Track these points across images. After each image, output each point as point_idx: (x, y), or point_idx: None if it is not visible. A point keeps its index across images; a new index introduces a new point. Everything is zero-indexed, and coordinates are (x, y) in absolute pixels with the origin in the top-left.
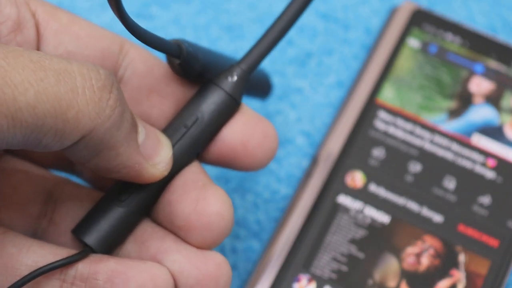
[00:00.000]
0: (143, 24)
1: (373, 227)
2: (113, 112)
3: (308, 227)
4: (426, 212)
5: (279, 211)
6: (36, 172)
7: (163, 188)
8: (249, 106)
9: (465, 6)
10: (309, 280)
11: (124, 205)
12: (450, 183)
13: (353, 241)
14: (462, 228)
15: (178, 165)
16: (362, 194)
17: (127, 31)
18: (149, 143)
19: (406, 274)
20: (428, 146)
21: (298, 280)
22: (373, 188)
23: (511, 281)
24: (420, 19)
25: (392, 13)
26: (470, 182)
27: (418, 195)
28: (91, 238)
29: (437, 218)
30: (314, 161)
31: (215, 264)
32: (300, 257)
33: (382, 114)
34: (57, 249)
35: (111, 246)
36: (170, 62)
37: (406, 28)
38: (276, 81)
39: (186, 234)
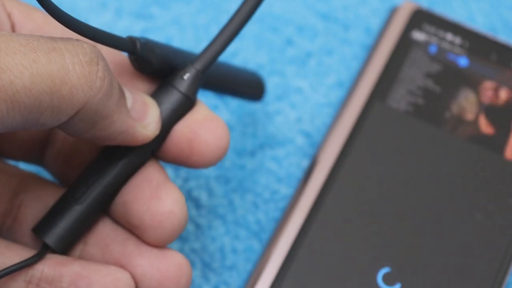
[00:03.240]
0: (143, 24)
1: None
2: (103, 82)
3: (307, 227)
4: None
5: (279, 211)
6: (3, 169)
7: (118, 183)
8: (248, 106)
9: (465, 6)
10: None
11: (79, 202)
12: None
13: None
14: None
15: (133, 164)
16: None
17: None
18: (137, 106)
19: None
20: None
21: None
22: None
23: (511, 281)
24: (420, 19)
25: (392, 13)
26: None
27: None
28: (49, 237)
29: None
30: (314, 161)
31: (175, 265)
32: (300, 257)
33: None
34: (24, 250)
35: (69, 243)
36: (129, 58)
37: (406, 28)
38: (276, 81)
39: (141, 233)
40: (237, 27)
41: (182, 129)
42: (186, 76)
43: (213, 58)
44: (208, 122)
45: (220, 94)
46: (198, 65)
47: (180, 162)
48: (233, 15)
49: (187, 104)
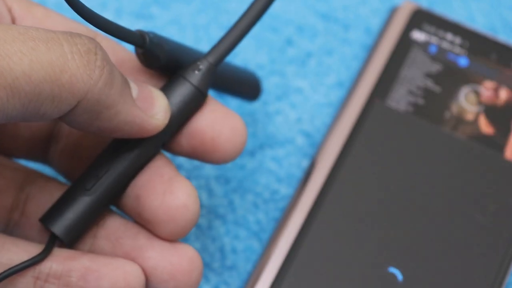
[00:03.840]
0: (143, 24)
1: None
2: (102, 71)
3: (307, 227)
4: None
5: (279, 211)
6: (8, 164)
7: (129, 175)
8: (248, 106)
9: (465, 6)
10: None
11: (89, 194)
12: None
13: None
14: None
15: (144, 156)
16: None
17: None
18: (143, 96)
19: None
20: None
21: None
22: None
23: (511, 281)
24: (420, 19)
25: (392, 13)
26: None
27: None
28: (57, 227)
29: None
30: (314, 161)
31: (187, 258)
32: (300, 257)
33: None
34: (30, 246)
35: (77, 234)
36: (137, 53)
37: (406, 28)
38: (276, 81)
39: (154, 227)
40: (251, 22)
41: (205, 127)
42: (199, 70)
43: (227, 52)
44: (229, 119)
45: (218, 92)
46: (211, 58)
47: (200, 158)
48: (247, 9)
49: (199, 98)
